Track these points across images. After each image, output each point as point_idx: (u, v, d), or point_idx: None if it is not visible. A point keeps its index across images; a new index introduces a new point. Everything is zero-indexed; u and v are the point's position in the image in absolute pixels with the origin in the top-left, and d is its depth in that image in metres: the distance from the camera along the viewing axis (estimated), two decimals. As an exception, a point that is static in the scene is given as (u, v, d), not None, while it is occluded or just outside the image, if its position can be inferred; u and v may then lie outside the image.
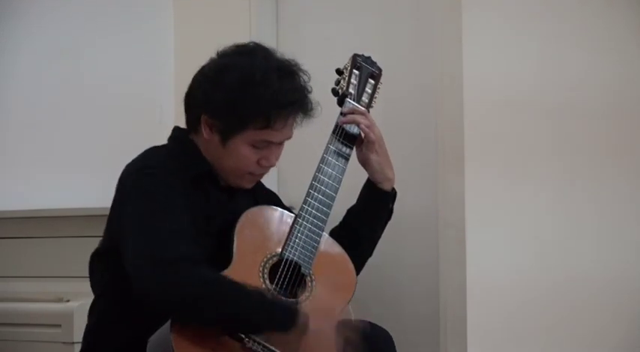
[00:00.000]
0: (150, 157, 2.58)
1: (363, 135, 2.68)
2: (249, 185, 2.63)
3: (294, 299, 2.48)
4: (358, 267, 2.72)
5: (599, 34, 3.12)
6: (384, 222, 2.79)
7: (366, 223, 2.75)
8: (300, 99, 2.55)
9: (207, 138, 2.57)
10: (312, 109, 2.58)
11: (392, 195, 2.76)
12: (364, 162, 2.72)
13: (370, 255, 2.78)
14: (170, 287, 2.35)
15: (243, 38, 3.53)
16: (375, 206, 2.75)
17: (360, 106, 2.71)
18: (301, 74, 2.59)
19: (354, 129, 2.69)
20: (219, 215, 2.58)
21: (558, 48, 3.11)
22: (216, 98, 2.52)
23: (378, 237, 2.79)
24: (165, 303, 2.37)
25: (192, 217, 2.48)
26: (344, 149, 2.67)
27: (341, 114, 2.70)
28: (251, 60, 2.55)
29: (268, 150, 2.58)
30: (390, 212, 2.79)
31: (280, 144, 2.60)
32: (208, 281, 2.38)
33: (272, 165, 2.61)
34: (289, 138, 2.60)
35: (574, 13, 3.12)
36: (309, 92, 2.59)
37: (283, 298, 2.47)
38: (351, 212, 2.78)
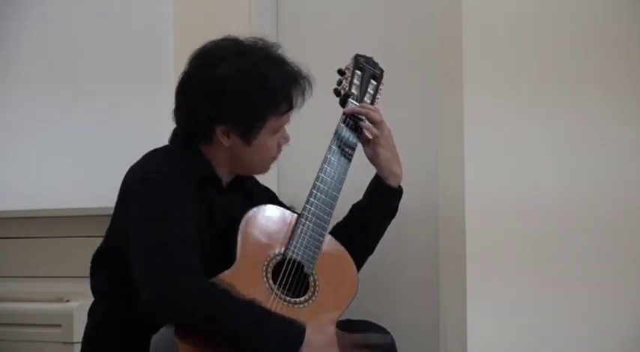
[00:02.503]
0: (152, 161, 2.58)
1: (366, 132, 2.69)
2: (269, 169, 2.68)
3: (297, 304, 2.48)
4: (358, 263, 2.72)
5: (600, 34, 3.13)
6: (387, 219, 2.80)
7: (369, 218, 2.76)
8: (303, 72, 2.61)
9: (226, 145, 2.58)
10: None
11: (398, 192, 2.78)
12: (371, 157, 2.74)
13: (371, 252, 2.79)
14: (171, 294, 2.37)
15: (243, 38, 3.53)
16: (379, 201, 2.77)
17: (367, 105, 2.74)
18: (299, 74, 2.63)
19: (356, 130, 2.70)
20: (220, 218, 2.59)
21: (559, 48, 3.11)
22: (232, 105, 2.54)
23: (381, 234, 2.80)
24: (167, 310, 2.38)
25: (194, 220, 2.49)
26: (347, 149, 2.67)
27: (343, 114, 2.71)
28: (246, 57, 2.57)
29: (282, 130, 2.63)
30: (395, 209, 2.80)
31: None
32: (212, 294, 2.38)
33: (288, 140, 2.66)
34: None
35: (575, 15, 3.13)
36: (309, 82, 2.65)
37: (286, 317, 2.45)
38: (355, 206, 2.79)
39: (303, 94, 2.61)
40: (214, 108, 2.55)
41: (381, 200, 2.77)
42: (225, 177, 2.65)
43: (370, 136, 2.71)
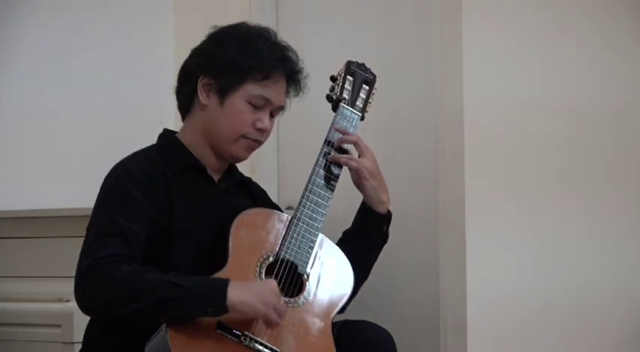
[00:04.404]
0: (128, 157, 2.63)
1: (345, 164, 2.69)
2: (243, 153, 2.66)
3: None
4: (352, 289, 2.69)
5: (603, 44, 3.13)
6: (378, 246, 2.79)
7: (359, 246, 2.74)
8: (293, 59, 2.66)
9: (204, 103, 2.62)
10: (303, 85, 2.69)
11: (386, 217, 2.76)
12: (357, 186, 2.72)
13: (365, 279, 2.76)
14: (85, 292, 2.42)
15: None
16: (368, 228, 2.75)
17: (351, 133, 2.70)
18: (291, 53, 2.69)
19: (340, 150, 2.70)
20: (210, 203, 2.61)
21: (558, 48, 3.11)
22: (218, 55, 2.61)
23: (373, 261, 2.78)
24: (85, 309, 2.45)
25: (148, 216, 2.51)
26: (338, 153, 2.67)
27: (335, 118, 2.70)
28: (246, 25, 2.69)
29: (263, 112, 2.63)
30: (386, 236, 2.79)
31: (273, 114, 2.66)
32: (119, 275, 2.38)
33: (266, 129, 2.64)
34: (282, 106, 2.67)
35: (573, 16, 3.13)
36: (301, 67, 2.69)
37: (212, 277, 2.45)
38: (345, 234, 2.78)
39: (284, 73, 2.63)
40: (203, 57, 2.64)
41: (370, 226, 2.75)
42: (210, 162, 2.66)
43: (353, 164, 2.69)
